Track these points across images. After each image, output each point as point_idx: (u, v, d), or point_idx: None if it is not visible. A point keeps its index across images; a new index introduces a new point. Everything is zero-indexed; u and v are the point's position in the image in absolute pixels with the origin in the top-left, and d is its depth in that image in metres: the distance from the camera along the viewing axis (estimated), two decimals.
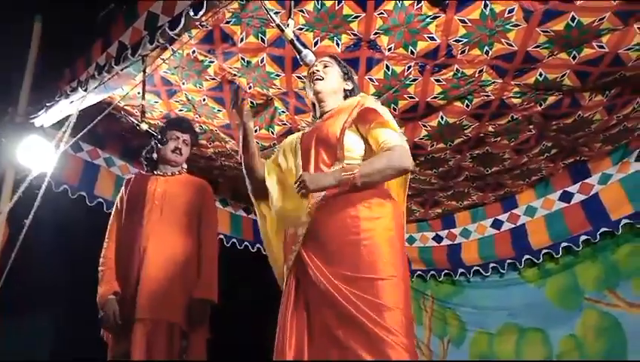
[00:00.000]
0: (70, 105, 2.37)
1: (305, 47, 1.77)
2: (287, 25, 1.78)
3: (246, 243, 3.78)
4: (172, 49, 2.15)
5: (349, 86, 1.90)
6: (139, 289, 2.12)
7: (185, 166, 2.44)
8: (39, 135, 2.54)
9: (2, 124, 2.56)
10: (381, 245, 1.57)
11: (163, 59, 2.30)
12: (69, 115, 2.36)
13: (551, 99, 2.57)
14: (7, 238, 2.44)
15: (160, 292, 2.13)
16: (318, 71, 1.84)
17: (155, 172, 2.38)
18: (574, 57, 2.26)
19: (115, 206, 2.39)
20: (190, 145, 2.44)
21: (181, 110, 2.75)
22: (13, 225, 2.39)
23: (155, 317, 2.10)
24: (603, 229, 3.10)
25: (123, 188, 2.39)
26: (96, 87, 2.23)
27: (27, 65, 2.61)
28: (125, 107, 2.70)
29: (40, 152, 2.49)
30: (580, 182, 3.24)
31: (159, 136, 2.23)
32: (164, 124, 2.41)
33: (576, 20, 2.04)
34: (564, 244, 3.29)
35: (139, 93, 2.43)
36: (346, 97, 1.87)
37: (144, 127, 2.18)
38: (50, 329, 3.33)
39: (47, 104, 2.44)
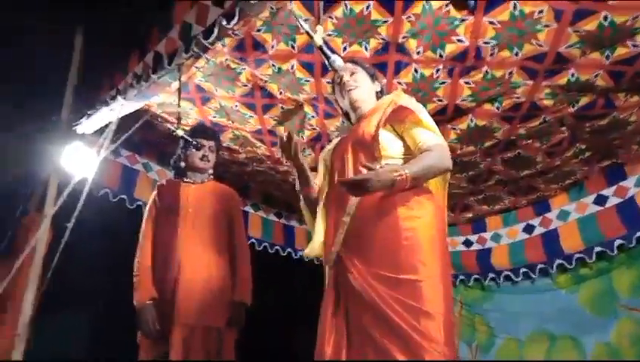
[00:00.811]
0: (110, 113, 2.48)
1: (333, 52, 1.81)
2: (316, 31, 1.82)
3: (277, 247, 3.84)
4: (206, 57, 2.22)
5: (378, 87, 1.92)
6: (177, 295, 2.18)
7: (211, 172, 2.50)
8: (82, 142, 2.66)
9: (47, 131, 2.69)
10: (421, 245, 1.54)
11: (197, 67, 2.38)
12: (109, 123, 2.48)
13: (584, 100, 2.53)
14: (51, 241, 2.56)
15: (197, 298, 2.20)
16: (348, 81, 1.85)
17: (185, 179, 2.43)
18: (607, 57, 2.22)
19: (147, 211, 2.43)
20: (216, 151, 2.50)
21: (214, 116, 2.83)
22: (57, 228, 2.50)
23: (193, 322, 2.16)
24: (639, 234, 3.01)
25: (155, 194, 2.44)
26: (134, 96, 2.33)
27: (69, 75, 2.75)
28: (162, 114, 2.79)
29: (82, 158, 2.60)
30: (616, 185, 3.16)
31: (194, 142, 2.30)
32: (189, 132, 2.44)
33: (608, 19, 2.01)
34: (597, 249, 3.21)
35: (174, 100, 2.52)
36: (377, 98, 1.89)
37: (180, 133, 2.26)
38: (88, 330, 3.45)
39: (89, 112, 2.55)
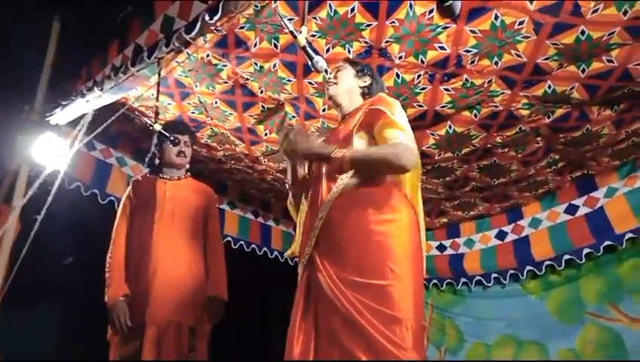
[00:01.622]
0: (86, 105, 2.41)
1: (317, 53, 1.80)
2: (300, 31, 1.81)
3: (253, 245, 3.81)
4: (187, 52, 2.19)
5: (366, 82, 1.85)
6: (151, 292, 2.14)
7: (188, 167, 2.46)
8: (54, 133, 2.59)
9: (18, 121, 2.61)
10: (391, 249, 1.53)
11: (178, 61, 2.34)
12: (84, 114, 2.42)
13: (559, 112, 2.59)
14: (19, 233, 2.48)
15: (173, 295, 2.17)
16: (330, 78, 1.87)
17: (161, 175, 2.40)
18: (583, 70, 2.28)
19: (121, 207, 2.38)
20: (191, 145, 2.47)
21: (193, 112, 2.79)
22: (25, 221, 2.43)
23: (167, 319, 2.13)
24: (607, 243, 3.10)
25: (130, 189, 2.39)
26: (111, 88, 2.27)
27: (45, 64, 2.67)
28: (139, 108, 2.74)
29: (54, 150, 2.53)
30: (586, 196, 3.25)
31: (171, 138, 2.27)
32: (163, 128, 2.35)
33: (585, 34, 2.07)
34: (567, 257, 3.29)
35: (153, 94, 2.47)
36: (364, 94, 1.84)
37: (157, 127, 2.22)
38: (55, 325, 3.37)
39: (63, 103, 2.48)
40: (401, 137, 1.60)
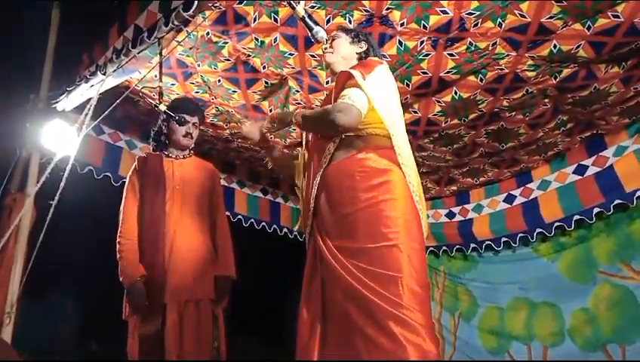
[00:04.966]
0: (90, 89, 2.43)
1: (316, 24, 1.79)
2: (299, 2, 1.79)
3: (263, 223, 3.86)
4: (187, 31, 2.17)
5: (362, 47, 1.86)
6: (169, 272, 2.17)
7: (192, 146, 2.44)
8: (61, 119, 2.61)
9: (26, 109, 2.63)
10: (380, 213, 1.55)
11: (178, 41, 2.32)
12: (89, 99, 2.43)
13: (566, 72, 2.55)
14: (35, 220, 2.53)
15: (189, 273, 2.20)
16: (327, 48, 1.87)
17: (166, 153, 2.38)
18: (589, 28, 2.23)
19: (129, 184, 2.35)
20: (199, 126, 2.45)
21: (197, 92, 2.79)
22: (40, 207, 2.47)
23: (187, 297, 2.17)
24: (617, 201, 3.07)
25: (135, 166, 2.37)
26: (114, 71, 2.28)
27: (47, 51, 2.67)
28: (143, 90, 2.74)
29: (63, 136, 2.56)
30: (596, 155, 3.22)
31: (177, 118, 2.27)
32: (172, 105, 2.35)
33: None
34: (577, 217, 3.27)
35: (156, 75, 2.47)
36: (360, 60, 1.84)
37: (162, 108, 2.22)
38: (74, 308, 3.44)
39: (68, 89, 2.50)
40: (349, 96, 1.61)
